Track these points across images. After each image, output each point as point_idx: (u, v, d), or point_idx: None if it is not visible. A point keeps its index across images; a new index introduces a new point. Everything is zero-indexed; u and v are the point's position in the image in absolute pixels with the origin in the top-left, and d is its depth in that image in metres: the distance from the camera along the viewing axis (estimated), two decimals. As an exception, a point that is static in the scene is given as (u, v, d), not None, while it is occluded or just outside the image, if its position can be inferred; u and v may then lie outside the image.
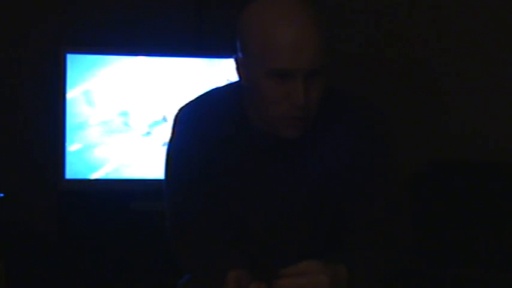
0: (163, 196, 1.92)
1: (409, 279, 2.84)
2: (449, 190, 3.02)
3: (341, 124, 1.86)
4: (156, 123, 3.11)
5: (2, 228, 3.07)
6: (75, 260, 3.09)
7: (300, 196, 1.87)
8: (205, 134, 1.88)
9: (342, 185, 1.86)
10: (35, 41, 3.31)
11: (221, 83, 2.01)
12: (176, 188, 1.90)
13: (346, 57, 3.48)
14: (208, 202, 1.88)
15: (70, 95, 3.05)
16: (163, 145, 1.98)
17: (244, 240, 1.90)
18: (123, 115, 3.10)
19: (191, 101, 1.95)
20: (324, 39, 1.72)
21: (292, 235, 1.90)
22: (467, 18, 3.27)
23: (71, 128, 3.05)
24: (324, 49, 1.73)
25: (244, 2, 1.79)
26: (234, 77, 1.89)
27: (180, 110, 1.94)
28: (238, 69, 1.83)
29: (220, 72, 3.11)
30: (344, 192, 1.87)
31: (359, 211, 1.87)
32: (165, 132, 3.09)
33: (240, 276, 1.75)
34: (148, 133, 3.11)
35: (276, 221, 1.89)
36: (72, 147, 3.05)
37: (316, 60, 1.72)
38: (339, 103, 1.88)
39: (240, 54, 1.80)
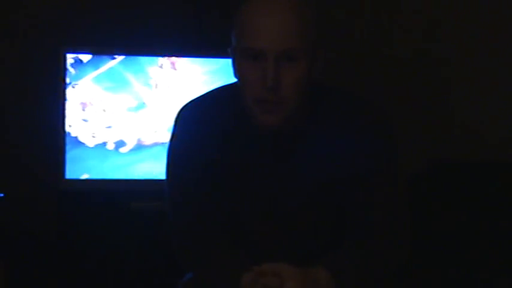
0: (165, 195, 1.92)
1: (408, 279, 2.85)
2: (448, 190, 3.02)
3: (342, 123, 1.87)
4: (155, 123, 3.12)
5: (2, 228, 3.07)
6: (75, 260, 3.09)
7: (300, 195, 1.87)
8: (206, 132, 1.89)
9: (342, 184, 1.87)
10: (35, 41, 3.31)
11: (221, 83, 2.01)
12: (177, 187, 1.90)
13: (344, 57, 3.48)
14: (210, 201, 1.88)
15: (70, 94, 3.05)
16: (165, 144, 1.97)
17: (245, 239, 1.90)
18: (123, 115, 3.10)
19: (192, 100, 1.95)
20: (301, 25, 1.77)
21: (293, 234, 1.90)
22: (467, 19, 3.27)
23: (71, 127, 3.05)
24: (299, 35, 1.76)
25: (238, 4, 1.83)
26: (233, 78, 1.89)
27: (182, 109, 1.94)
28: (232, 60, 1.86)
29: (220, 72, 3.12)
30: (344, 191, 1.87)
31: (357, 211, 1.87)
32: (165, 132, 3.10)
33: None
34: (147, 132, 3.12)
35: (276, 220, 1.89)
36: (72, 147, 3.05)
37: (286, 42, 1.76)
38: (340, 102, 1.89)
39: (232, 43, 1.85)
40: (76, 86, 3.06)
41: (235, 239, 1.89)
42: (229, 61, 1.87)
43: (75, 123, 3.05)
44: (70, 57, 3.05)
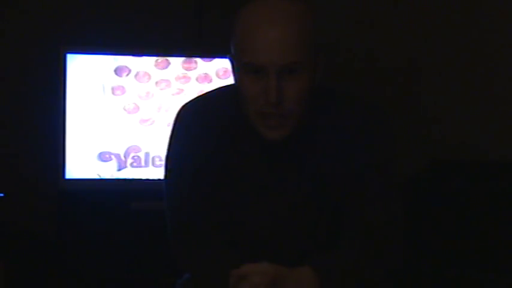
0: (163, 194, 1.92)
1: (409, 279, 2.84)
2: (449, 190, 3.02)
3: (340, 125, 1.86)
4: (155, 123, 3.12)
5: (2, 228, 3.07)
6: (75, 260, 3.09)
7: (298, 197, 1.87)
8: (205, 132, 1.88)
9: (340, 184, 1.86)
10: (35, 41, 3.31)
11: (221, 83, 2.01)
12: (175, 186, 1.90)
13: (344, 57, 3.48)
14: (208, 201, 1.88)
15: (70, 95, 3.05)
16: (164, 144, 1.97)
17: (242, 241, 1.90)
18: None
19: (192, 100, 1.95)
20: (301, 37, 1.74)
21: (290, 236, 1.90)
22: (469, 18, 3.27)
23: (71, 127, 3.05)
24: (301, 47, 1.74)
25: (243, 2, 1.81)
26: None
27: (182, 108, 1.94)
28: (232, 67, 1.85)
29: (220, 72, 3.11)
30: (341, 193, 1.87)
31: (352, 213, 1.87)
32: (165, 132, 3.09)
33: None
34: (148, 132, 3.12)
35: (274, 221, 1.89)
36: (72, 147, 3.05)
37: (288, 57, 1.73)
38: (338, 104, 1.88)
39: (231, 51, 1.83)
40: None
41: (233, 239, 1.90)
42: (227, 61, 1.87)
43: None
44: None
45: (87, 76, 3.05)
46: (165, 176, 1.93)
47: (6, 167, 3.28)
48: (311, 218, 1.88)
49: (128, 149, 3.09)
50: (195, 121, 1.90)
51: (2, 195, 3.08)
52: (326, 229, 1.90)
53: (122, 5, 3.43)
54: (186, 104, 1.94)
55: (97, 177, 3.08)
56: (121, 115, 3.08)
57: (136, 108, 3.10)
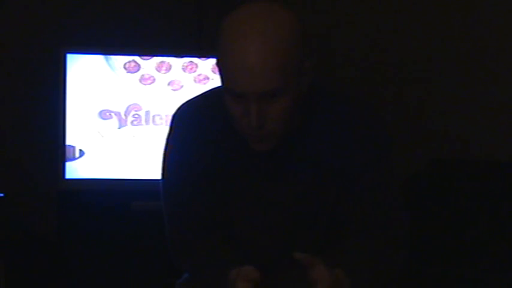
0: (161, 195, 1.92)
1: (408, 279, 2.84)
2: (449, 190, 3.02)
3: (335, 126, 1.85)
4: (155, 123, 3.12)
5: (2, 228, 3.07)
6: (75, 260, 3.09)
7: (295, 198, 1.86)
8: (202, 134, 1.88)
9: (336, 187, 1.86)
10: (35, 41, 3.32)
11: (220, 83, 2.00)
12: (173, 188, 1.90)
13: (344, 58, 3.48)
14: (205, 202, 1.88)
15: (70, 94, 3.05)
16: (162, 145, 1.97)
17: (240, 241, 1.90)
18: (123, 115, 3.10)
19: (189, 101, 1.95)
20: (282, 59, 1.67)
21: (287, 237, 1.89)
22: (469, 18, 3.27)
23: (71, 127, 3.05)
24: (282, 71, 1.67)
25: (239, 2, 1.78)
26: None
27: (178, 109, 1.94)
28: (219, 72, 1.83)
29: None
30: (339, 195, 1.87)
31: (354, 214, 1.86)
32: (164, 132, 3.09)
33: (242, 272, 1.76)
34: (148, 132, 3.12)
35: (271, 222, 1.88)
36: (72, 147, 3.05)
37: (268, 84, 1.67)
38: (333, 105, 1.87)
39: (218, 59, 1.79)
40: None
41: (231, 239, 1.89)
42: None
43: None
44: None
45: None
46: (162, 175, 1.93)
47: (6, 167, 3.29)
48: (308, 218, 1.88)
49: (128, 107, 3.10)
50: (190, 122, 1.89)
51: (2, 195, 3.08)
52: (324, 230, 1.89)
53: (122, 5, 3.43)
54: (182, 105, 1.94)
55: (97, 177, 3.08)
56: (121, 73, 3.08)
57: (137, 66, 3.10)
